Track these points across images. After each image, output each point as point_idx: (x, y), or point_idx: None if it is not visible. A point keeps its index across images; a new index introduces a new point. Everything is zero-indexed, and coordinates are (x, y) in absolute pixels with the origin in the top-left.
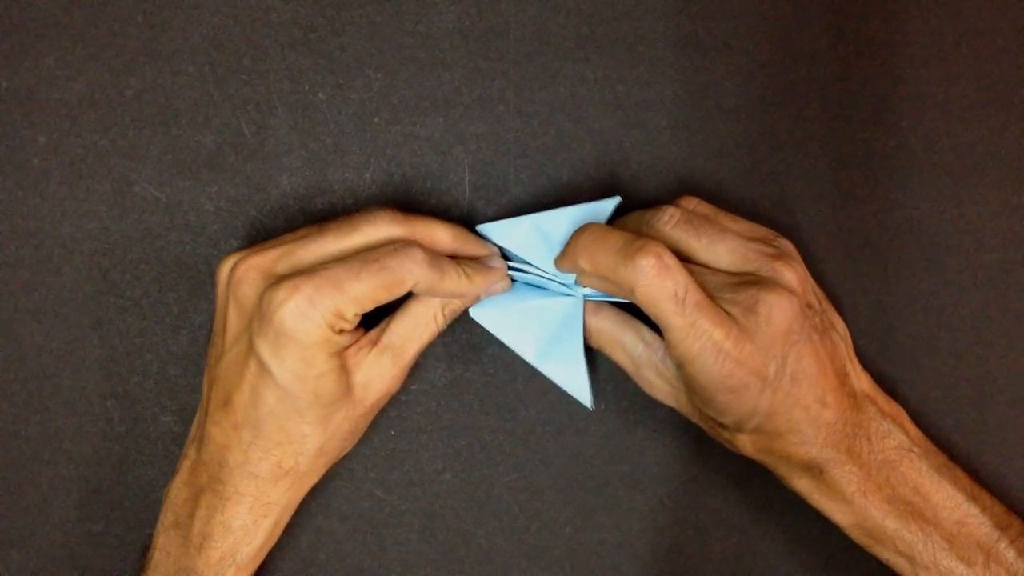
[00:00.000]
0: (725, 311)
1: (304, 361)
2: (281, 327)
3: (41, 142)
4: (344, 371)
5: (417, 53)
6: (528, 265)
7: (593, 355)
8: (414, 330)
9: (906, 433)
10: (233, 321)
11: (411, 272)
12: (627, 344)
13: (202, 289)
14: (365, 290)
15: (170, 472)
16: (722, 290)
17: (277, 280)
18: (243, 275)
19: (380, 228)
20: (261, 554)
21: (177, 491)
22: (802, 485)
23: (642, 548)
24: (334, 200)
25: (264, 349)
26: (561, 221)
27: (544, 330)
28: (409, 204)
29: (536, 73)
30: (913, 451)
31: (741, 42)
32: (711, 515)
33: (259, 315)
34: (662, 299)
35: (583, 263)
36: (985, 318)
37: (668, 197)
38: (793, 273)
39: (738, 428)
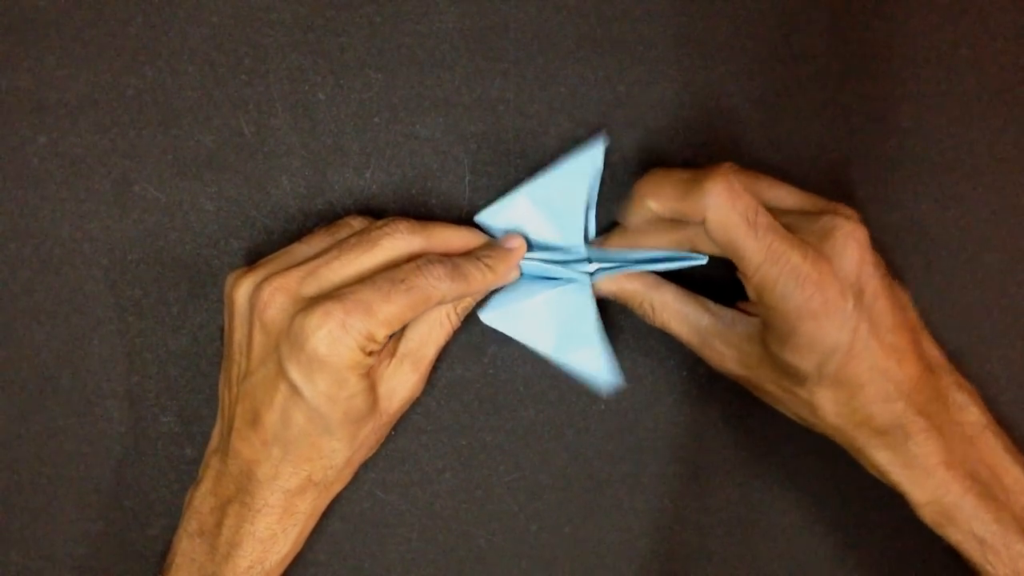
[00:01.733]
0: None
1: (337, 384)
2: (315, 353)
3: (41, 142)
4: (372, 388)
5: (417, 53)
6: (536, 248)
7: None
8: (429, 334)
9: (980, 410)
10: (259, 343)
11: (437, 288)
12: (691, 316)
13: (202, 289)
14: (395, 311)
15: (170, 472)
16: (793, 219)
17: (307, 304)
18: (269, 299)
19: (399, 242)
20: (287, 560)
21: (202, 499)
22: (881, 457)
23: (642, 548)
24: (334, 200)
25: (296, 373)
26: (555, 184)
27: (559, 322)
28: (409, 204)
29: (536, 73)
30: (989, 429)
31: (741, 42)
32: (711, 515)
33: (289, 340)
34: (735, 223)
35: (651, 202)
36: (985, 318)
37: None
38: (857, 220)
39: (819, 374)
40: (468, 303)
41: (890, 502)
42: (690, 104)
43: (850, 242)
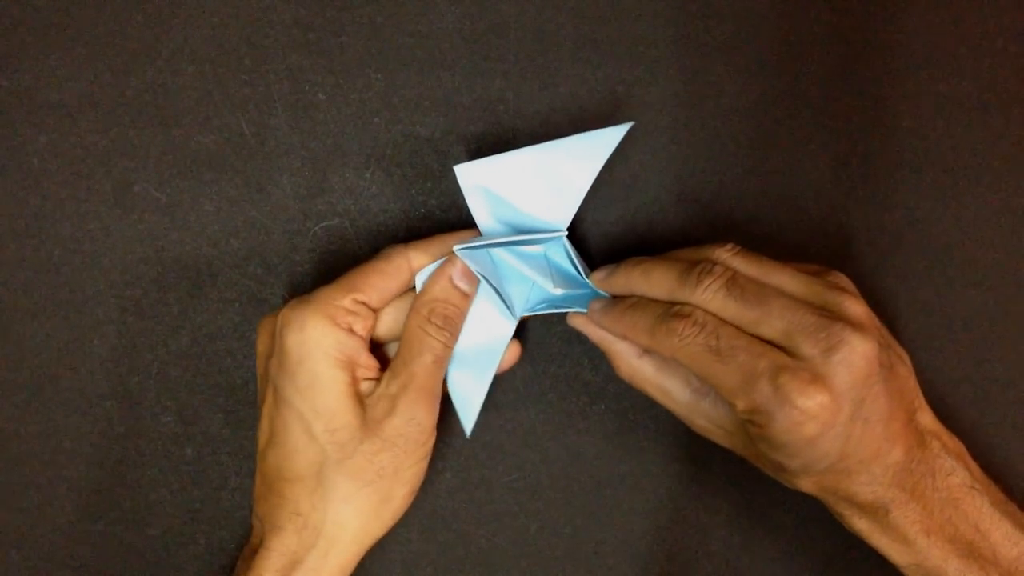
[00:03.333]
0: (801, 354)
1: (313, 373)
2: (287, 340)
3: (41, 142)
4: (356, 397)
5: (417, 53)
6: (515, 226)
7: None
8: (410, 348)
9: (968, 470)
10: (260, 381)
11: (392, 249)
12: (673, 392)
13: (202, 289)
14: (356, 277)
15: (170, 472)
16: (799, 320)
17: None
18: (259, 329)
19: (397, 256)
20: None
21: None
22: (862, 525)
23: (642, 548)
24: (334, 200)
25: (275, 371)
26: (564, 155)
27: (471, 336)
28: (409, 204)
29: (536, 73)
30: (975, 488)
31: (741, 42)
32: (711, 515)
33: (275, 348)
34: (707, 362)
35: (621, 329)
36: (985, 318)
37: (668, 196)
38: (862, 310)
39: (806, 471)
40: (441, 308)
41: None
42: (690, 104)
43: (856, 360)
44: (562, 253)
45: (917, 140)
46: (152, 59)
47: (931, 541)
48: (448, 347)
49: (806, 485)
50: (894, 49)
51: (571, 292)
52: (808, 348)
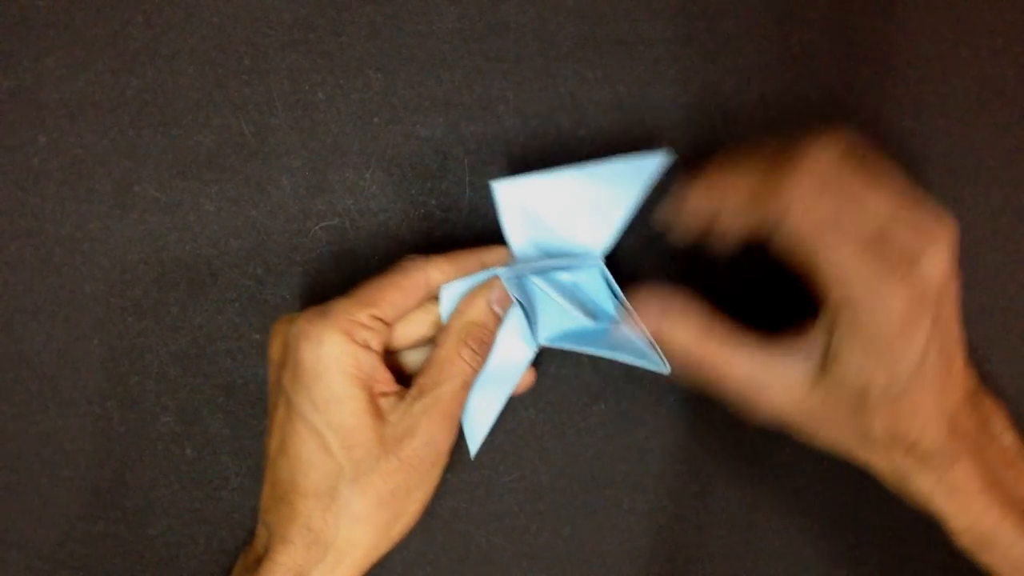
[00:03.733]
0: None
1: (327, 386)
2: (300, 353)
3: (41, 142)
4: (375, 412)
5: (417, 53)
6: (548, 251)
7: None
8: (442, 370)
9: (1014, 435)
10: (271, 388)
11: (411, 262)
12: (743, 362)
13: (202, 289)
14: (374, 289)
15: (170, 472)
16: (884, 223)
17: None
18: (272, 337)
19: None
20: None
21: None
22: (924, 483)
23: (642, 548)
24: (334, 200)
25: (288, 383)
26: (601, 181)
27: (490, 358)
28: (409, 204)
29: (536, 73)
30: (1022, 454)
31: (741, 42)
32: (711, 515)
33: (287, 357)
34: (818, 232)
35: (715, 196)
36: (985, 318)
37: (669, 198)
38: (949, 235)
39: (886, 395)
40: (477, 332)
41: (889, 503)
42: (690, 104)
43: (943, 262)
44: (598, 278)
45: (917, 140)
46: (152, 59)
47: (988, 501)
48: (477, 371)
49: (877, 428)
50: (894, 49)
51: (598, 325)
52: (907, 236)
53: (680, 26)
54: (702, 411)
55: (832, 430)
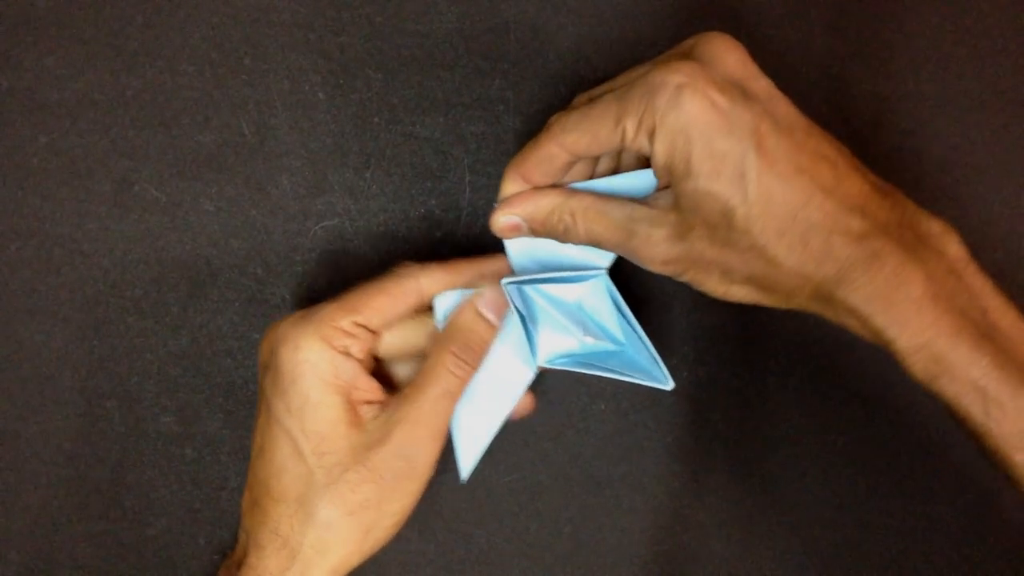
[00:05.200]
0: None
1: (293, 381)
2: (280, 356)
3: (41, 142)
4: (351, 421)
5: (417, 53)
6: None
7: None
8: (423, 379)
9: (960, 243)
10: (259, 397)
11: (406, 268)
12: (613, 210)
13: (202, 289)
14: (359, 296)
15: (170, 472)
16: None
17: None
18: (262, 344)
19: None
20: None
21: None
22: (858, 296)
23: (642, 548)
24: (334, 200)
25: (268, 385)
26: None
27: (487, 378)
28: (409, 204)
29: (536, 73)
30: (972, 265)
31: (741, 42)
32: (711, 515)
33: (268, 360)
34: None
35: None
36: None
37: None
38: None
39: (744, 194)
40: (472, 345)
41: (889, 503)
42: None
43: (720, 44)
44: (602, 291)
45: (917, 140)
46: (152, 59)
47: (940, 309)
48: (464, 382)
49: (768, 239)
50: (894, 49)
51: (601, 347)
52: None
53: (680, 26)
54: (702, 411)
55: (732, 267)
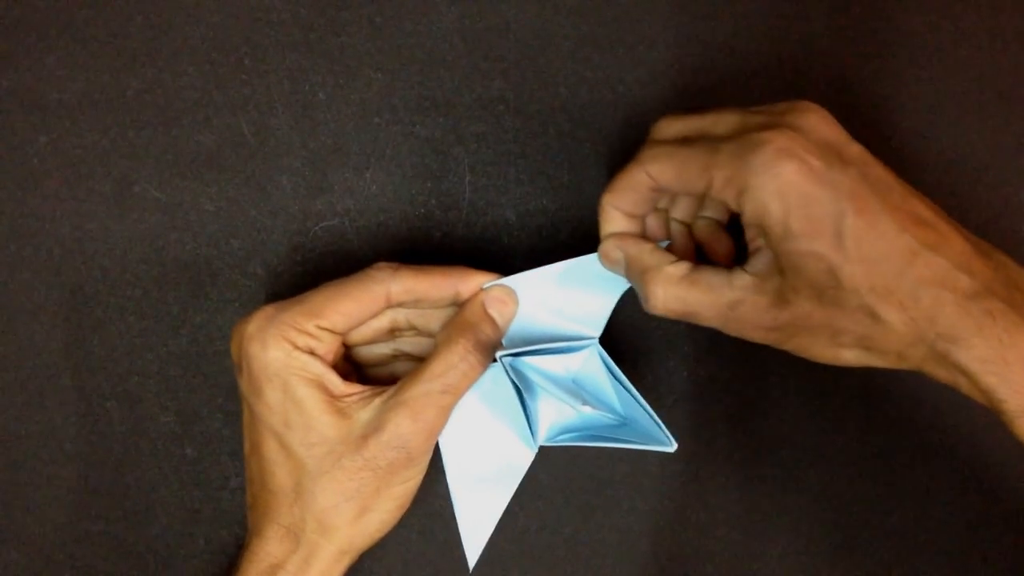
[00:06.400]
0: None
1: (276, 385)
2: (250, 355)
3: (41, 142)
4: (337, 411)
5: (417, 53)
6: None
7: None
8: (421, 371)
9: None
10: (240, 397)
11: (378, 272)
12: (710, 277)
13: (202, 289)
14: (324, 300)
15: (170, 472)
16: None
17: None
18: (231, 344)
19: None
20: None
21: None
22: (971, 355)
23: (642, 548)
24: (334, 200)
25: (244, 386)
26: (585, 270)
27: (486, 459)
28: (409, 204)
29: (536, 73)
30: None
31: (741, 42)
32: (711, 515)
33: (241, 359)
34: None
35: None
36: None
37: None
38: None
39: (843, 248)
40: (479, 338)
41: (889, 503)
42: (690, 104)
43: (814, 114)
44: (597, 362)
45: (917, 140)
46: (152, 59)
47: None
48: (468, 377)
49: (876, 300)
50: (894, 49)
51: (600, 416)
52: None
53: (680, 26)
54: (702, 411)
55: (839, 330)
